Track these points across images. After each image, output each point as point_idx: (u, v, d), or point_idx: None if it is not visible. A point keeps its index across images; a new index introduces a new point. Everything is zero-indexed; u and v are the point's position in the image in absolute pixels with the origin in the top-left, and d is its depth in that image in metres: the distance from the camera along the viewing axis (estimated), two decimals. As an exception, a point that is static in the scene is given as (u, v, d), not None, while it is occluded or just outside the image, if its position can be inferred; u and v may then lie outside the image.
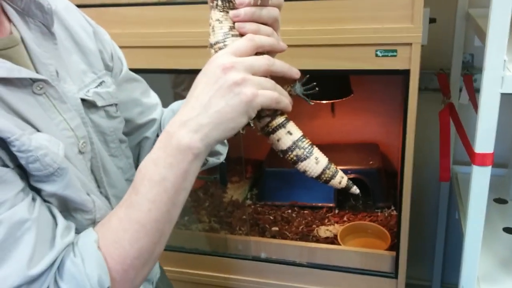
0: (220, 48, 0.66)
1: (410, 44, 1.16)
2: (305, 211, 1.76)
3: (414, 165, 1.29)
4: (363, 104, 1.83)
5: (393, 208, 1.72)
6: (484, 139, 1.05)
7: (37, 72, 0.69)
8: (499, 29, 0.95)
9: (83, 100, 0.75)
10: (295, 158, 0.67)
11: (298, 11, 1.21)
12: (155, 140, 0.93)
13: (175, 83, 1.74)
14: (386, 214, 1.71)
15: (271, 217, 1.74)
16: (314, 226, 1.68)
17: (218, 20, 0.66)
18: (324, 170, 0.67)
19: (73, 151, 0.70)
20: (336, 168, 0.69)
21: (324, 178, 0.68)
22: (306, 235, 1.64)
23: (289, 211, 1.77)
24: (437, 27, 1.52)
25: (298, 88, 0.70)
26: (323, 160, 0.68)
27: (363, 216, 1.71)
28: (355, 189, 0.71)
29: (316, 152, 0.68)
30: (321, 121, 1.94)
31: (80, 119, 0.74)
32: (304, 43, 1.22)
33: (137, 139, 0.95)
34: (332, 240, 1.60)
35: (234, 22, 0.66)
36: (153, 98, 0.99)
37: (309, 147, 0.67)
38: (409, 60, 1.17)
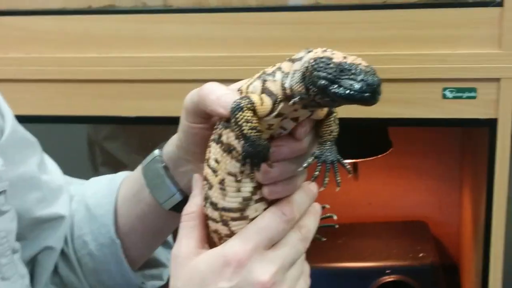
0: (233, 219, 0.54)
1: (498, 79, 0.90)
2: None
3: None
4: (402, 162, 1.48)
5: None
6: None
7: None
8: None
9: None
10: None
11: (321, 26, 0.93)
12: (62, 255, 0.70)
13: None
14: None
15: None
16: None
17: (233, 175, 0.53)
18: None
19: None
20: None
21: None
22: None
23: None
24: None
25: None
26: None
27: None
28: None
29: None
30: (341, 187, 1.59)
31: None
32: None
33: (32, 249, 0.67)
34: None
35: (258, 182, 0.54)
36: (55, 173, 0.73)
37: None
38: (496, 105, 0.91)
